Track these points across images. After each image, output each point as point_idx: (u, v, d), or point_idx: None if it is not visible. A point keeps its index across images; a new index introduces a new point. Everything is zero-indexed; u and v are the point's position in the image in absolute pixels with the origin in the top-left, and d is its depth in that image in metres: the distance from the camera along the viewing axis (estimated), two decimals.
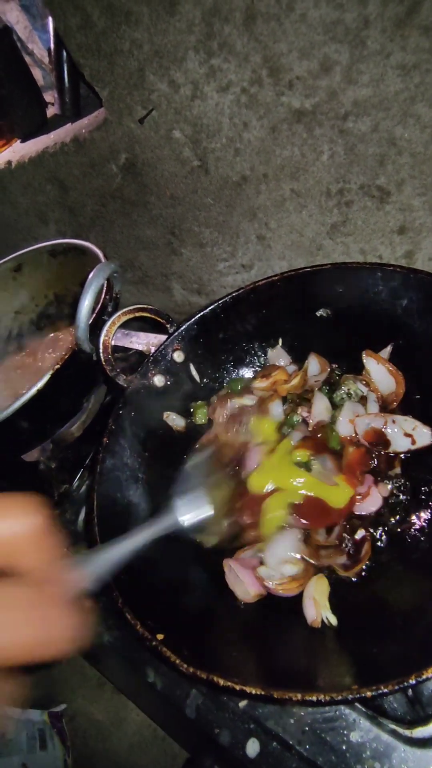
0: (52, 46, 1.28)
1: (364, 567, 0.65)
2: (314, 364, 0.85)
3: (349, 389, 0.79)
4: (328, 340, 0.85)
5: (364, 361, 0.80)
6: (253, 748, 0.66)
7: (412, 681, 0.42)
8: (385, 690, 0.43)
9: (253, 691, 0.47)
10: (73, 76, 1.31)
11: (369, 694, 0.43)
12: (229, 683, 0.48)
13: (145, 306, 0.84)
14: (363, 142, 0.91)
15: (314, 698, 0.44)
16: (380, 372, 0.78)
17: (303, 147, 0.98)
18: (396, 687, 0.42)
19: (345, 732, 0.63)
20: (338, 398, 0.79)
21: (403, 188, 0.95)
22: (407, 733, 0.61)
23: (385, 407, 0.78)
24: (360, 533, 0.68)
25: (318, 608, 0.63)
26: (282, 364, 0.90)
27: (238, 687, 0.47)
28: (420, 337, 0.72)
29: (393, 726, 0.62)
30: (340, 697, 0.43)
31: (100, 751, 1.07)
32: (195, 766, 0.66)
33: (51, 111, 1.55)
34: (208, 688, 0.53)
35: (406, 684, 0.42)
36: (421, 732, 0.61)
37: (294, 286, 0.83)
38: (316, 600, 0.62)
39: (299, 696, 0.44)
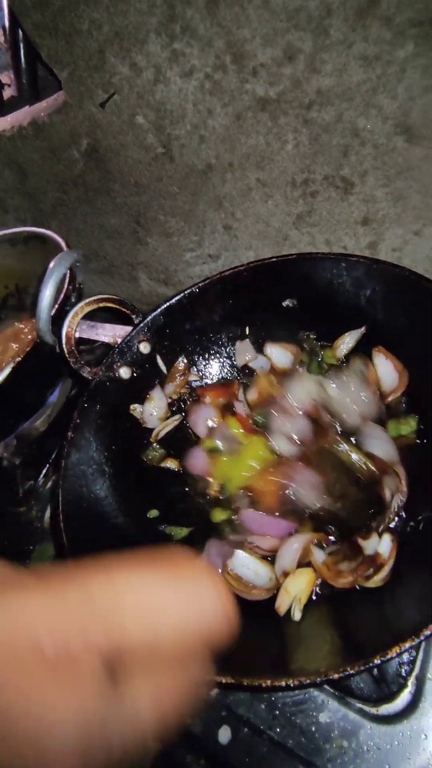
0: (6, 24, 1.22)
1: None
2: (279, 354, 0.85)
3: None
4: (294, 330, 0.85)
5: (374, 357, 0.78)
6: (224, 735, 0.66)
7: (377, 661, 0.43)
8: (352, 671, 0.43)
9: (224, 680, 0.47)
10: (30, 56, 1.25)
11: (336, 676, 0.43)
12: None
13: (110, 296, 0.82)
14: (327, 132, 0.92)
15: (283, 683, 0.45)
16: (388, 367, 0.77)
17: (268, 136, 0.97)
18: (362, 667, 0.43)
19: (314, 713, 0.65)
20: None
21: (367, 179, 0.96)
22: (373, 710, 0.63)
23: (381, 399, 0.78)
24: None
25: (289, 600, 0.63)
26: (248, 358, 0.90)
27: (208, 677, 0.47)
28: (383, 326, 0.74)
29: (360, 705, 0.64)
30: (308, 681, 0.44)
31: None
32: (169, 758, 0.66)
33: (7, 93, 1.47)
34: None
35: (371, 664, 0.43)
36: (386, 709, 0.63)
37: (260, 276, 0.83)
38: (294, 596, 0.63)
39: (269, 682, 0.45)
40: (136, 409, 0.86)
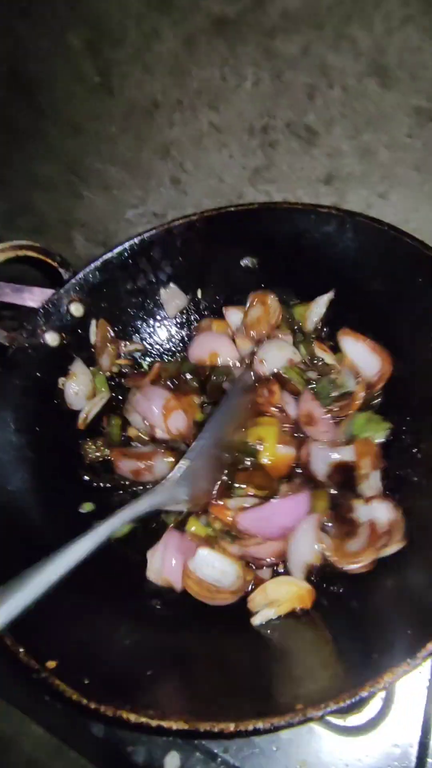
0: None
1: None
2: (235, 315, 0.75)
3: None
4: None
5: (341, 341, 0.68)
6: (172, 763, 0.57)
7: (365, 693, 0.34)
8: (334, 707, 0.35)
9: (174, 727, 0.36)
10: None
11: (317, 715, 0.34)
12: (143, 720, 0.37)
13: (30, 243, 0.66)
14: (292, 68, 0.80)
15: (251, 728, 0.35)
16: (361, 351, 0.66)
17: (224, 68, 0.84)
18: (347, 702, 0.35)
19: None
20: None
21: (333, 129, 0.86)
22: (340, 722, 0.56)
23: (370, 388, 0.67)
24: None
25: (263, 601, 0.54)
26: (179, 305, 0.78)
27: (154, 723, 0.37)
28: (357, 289, 0.65)
29: (326, 717, 0.56)
30: (283, 722, 0.35)
31: None
32: None
33: None
34: (117, 726, 0.42)
35: (357, 697, 0.34)
36: (354, 719, 0.56)
37: (215, 229, 0.71)
38: (270, 600, 0.53)
39: (231, 727, 0.35)
40: (66, 383, 0.72)
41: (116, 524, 0.48)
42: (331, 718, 0.56)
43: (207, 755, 0.56)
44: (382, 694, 0.57)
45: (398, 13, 0.70)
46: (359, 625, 0.47)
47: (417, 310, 0.59)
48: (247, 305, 0.74)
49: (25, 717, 0.95)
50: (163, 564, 0.58)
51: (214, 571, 0.54)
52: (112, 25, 0.84)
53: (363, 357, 0.66)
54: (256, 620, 0.53)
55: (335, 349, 0.70)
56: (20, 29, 0.91)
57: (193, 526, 0.62)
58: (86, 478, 0.70)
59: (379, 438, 0.62)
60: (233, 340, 0.74)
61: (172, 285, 0.76)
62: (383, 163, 0.88)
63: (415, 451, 0.58)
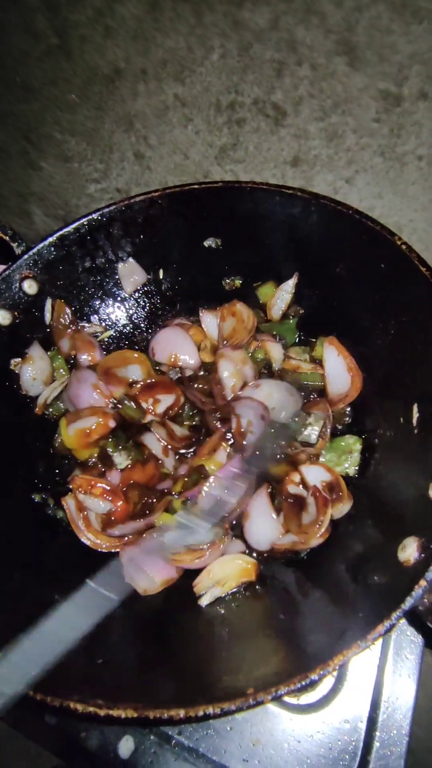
0: None
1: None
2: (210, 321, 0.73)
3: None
4: (216, 275, 0.73)
5: (324, 348, 0.67)
6: (126, 747, 0.57)
7: (315, 677, 0.35)
8: (284, 691, 0.35)
9: (123, 715, 0.36)
10: None
11: (267, 699, 0.34)
12: (91, 709, 0.36)
13: None
14: (260, 42, 0.77)
15: (201, 713, 0.35)
16: (338, 366, 0.65)
17: (190, 38, 0.80)
18: (297, 685, 0.35)
19: None
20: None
21: (301, 109, 0.84)
22: (294, 701, 0.57)
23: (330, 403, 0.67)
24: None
25: (209, 582, 0.54)
26: (138, 281, 0.75)
27: (103, 712, 0.36)
28: (321, 272, 0.64)
29: None
30: (233, 707, 0.35)
31: None
32: None
33: None
34: (65, 716, 0.41)
35: (308, 680, 0.35)
36: (307, 698, 0.57)
37: (178, 207, 0.68)
38: (215, 580, 0.53)
39: (181, 714, 0.35)
40: (19, 365, 0.68)
41: None
42: (285, 698, 0.57)
43: (161, 738, 0.56)
44: (334, 673, 0.58)
45: None
46: (311, 609, 0.47)
47: (378, 294, 0.59)
48: (219, 320, 0.72)
49: None
50: (150, 572, 0.56)
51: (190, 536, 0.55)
52: None
53: (337, 372, 0.65)
54: (205, 600, 0.54)
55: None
56: None
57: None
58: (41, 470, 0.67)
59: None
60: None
61: (130, 260, 0.73)
62: (350, 148, 0.87)
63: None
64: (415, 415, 0.51)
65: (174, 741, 0.57)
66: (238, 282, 0.74)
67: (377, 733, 0.54)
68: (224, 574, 0.54)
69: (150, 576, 0.55)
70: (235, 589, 0.53)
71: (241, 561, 0.55)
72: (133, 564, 0.56)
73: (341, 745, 0.54)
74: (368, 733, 0.54)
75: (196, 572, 0.55)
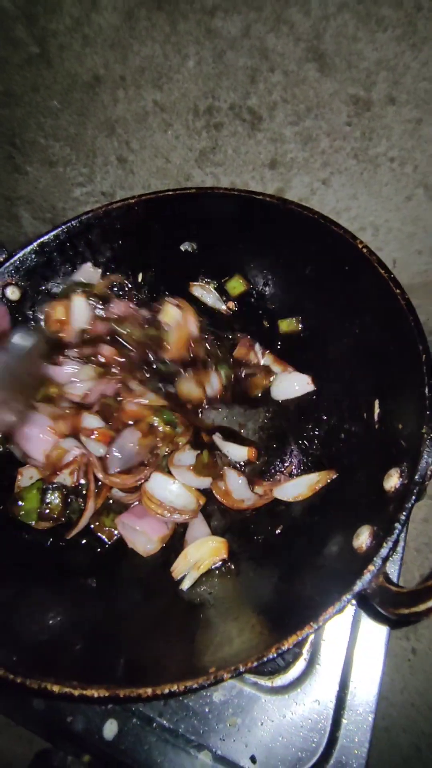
0: None
1: None
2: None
3: None
4: (193, 277, 0.76)
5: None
6: (110, 729, 0.60)
7: (272, 654, 0.38)
8: (243, 669, 0.38)
9: (96, 694, 0.39)
10: None
11: (227, 676, 0.37)
12: (66, 690, 0.39)
13: None
14: (233, 49, 0.79)
15: (166, 690, 0.38)
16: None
17: (166, 45, 0.82)
18: (255, 663, 0.38)
19: (208, 694, 0.60)
20: None
21: (275, 114, 0.86)
22: (268, 683, 0.60)
23: None
24: None
25: (186, 566, 0.58)
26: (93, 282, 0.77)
27: (77, 692, 0.39)
28: (288, 276, 0.67)
29: (255, 679, 0.60)
30: (196, 685, 0.38)
31: None
32: (44, 762, 0.58)
33: None
34: (42, 697, 0.44)
35: (265, 659, 0.38)
36: (281, 680, 0.60)
37: (155, 213, 0.71)
38: (192, 563, 0.57)
39: (149, 692, 0.38)
40: None
41: None
42: (259, 680, 0.60)
43: (143, 720, 0.60)
44: (306, 656, 0.61)
45: (334, 0, 0.70)
46: (271, 592, 0.50)
47: (343, 294, 0.62)
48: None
49: None
50: (147, 532, 0.62)
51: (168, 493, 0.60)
52: None
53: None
54: (186, 584, 0.57)
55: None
56: None
57: None
58: None
59: None
60: None
61: (88, 265, 0.75)
62: (324, 150, 0.89)
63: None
64: (377, 410, 0.54)
65: (155, 723, 0.60)
66: (212, 286, 0.77)
67: (345, 711, 0.57)
68: (200, 555, 0.57)
69: (147, 535, 0.59)
70: (212, 567, 0.57)
71: (212, 542, 0.60)
72: (129, 528, 0.61)
73: (311, 724, 0.58)
74: (337, 711, 0.58)
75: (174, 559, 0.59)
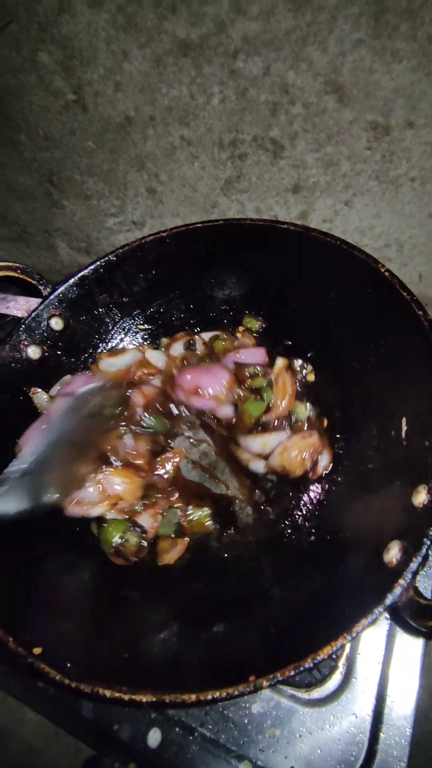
0: None
1: None
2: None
3: None
4: (224, 304, 0.79)
5: None
6: (154, 738, 0.63)
7: (309, 664, 0.40)
8: (281, 677, 0.40)
9: (144, 699, 0.42)
10: None
11: (266, 684, 0.40)
12: (117, 694, 0.42)
13: (9, 264, 0.70)
14: (255, 87, 0.84)
15: (209, 697, 0.40)
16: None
17: (191, 87, 0.88)
18: (292, 672, 0.40)
19: (246, 705, 0.62)
20: None
21: (297, 142, 0.90)
22: (305, 696, 0.62)
23: None
24: None
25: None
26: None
27: (127, 697, 0.42)
28: (313, 299, 0.70)
29: (292, 691, 0.62)
30: (237, 692, 0.40)
31: None
32: None
33: None
34: (95, 701, 0.48)
35: (302, 668, 0.40)
36: (318, 692, 0.62)
37: (185, 244, 0.75)
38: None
39: (193, 698, 0.40)
40: (36, 394, 0.75)
41: None
42: (297, 692, 0.62)
43: (185, 730, 0.62)
44: (342, 670, 0.63)
45: (350, 37, 0.74)
46: (304, 604, 0.52)
47: (367, 316, 0.64)
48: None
49: (23, 706, 1.01)
50: None
51: None
52: (82, 46, 0.88)
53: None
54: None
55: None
56: None
57: None
58: None
59: None
60: None
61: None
62: (345, 174, 0.92)
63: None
64: (404, 428, 0.56)
65: (197, 732, 0.62)
66: (256, 323, 0.81)
67: (383, 726, 0.58)
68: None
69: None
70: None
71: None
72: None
73: (349, 737, 0.59)
74: (374, 725, 0.58)
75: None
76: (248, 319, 0.80)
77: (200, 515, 0.69)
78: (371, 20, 0.71)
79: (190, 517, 0.69)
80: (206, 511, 0.69)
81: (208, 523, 0.69)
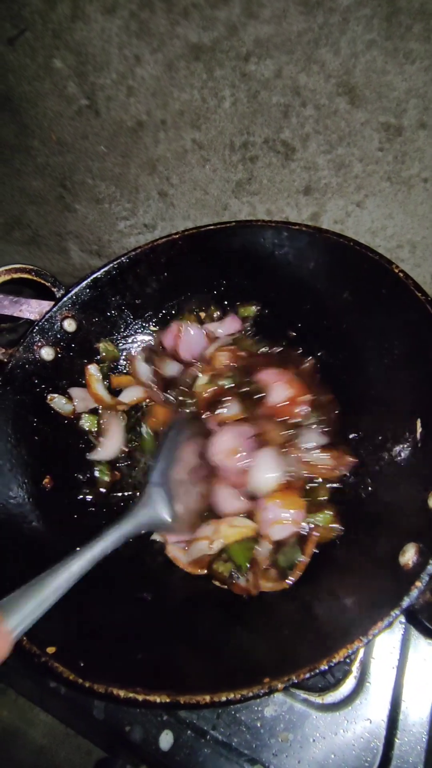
0: None
1: None
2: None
3: None
4: (233, 305, 0.80)
5: None
6: (166, 740, 0.62)
7: (324, 667, 0.40)
8: (296, 680, 0.40)
9: (158, 700, 0.42)
10: None
11: (281, 686, 0.39)
12: (131, 695, 0.42)
13: (24, 266, 0.71)
14: (266, 89, 0.84)
15: (224, 698, 0.40)
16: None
17: (203, 90, 0.88)
18: (307, 674, 0.40)
19: (259, 708, 0.62)
20: None
21: (308, 144, 0.90)
22: (318, 700, 0.61)
23: None
24: None
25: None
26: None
27: (141, 698, 0.42)
28: (326, 301, 0.70)
29: (305, 695, 0.61)
30: (251, 694, 0.40)
31: (7, 757, 0.99)
32: None
33: None
34: (108, 701, 0.48)
35: (317, 671, 0.40)
36: (331, 697, 0.61)
37: (197, 246, 0.76)
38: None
39: (207, 699, 0.40)
40: (54, 399, 0.76)
41: (107, 547, 0.52)
42: (310, 697, 0.61)
43: (197, 732, 0.62)
44: (356, 674, 0.62)
45: (362, 38, 0.74)
46: (319, 607, 0.52)
47: (381, 317, 0.64)
48: None
49: (34, 707, 1.02)
50: None
51: None
52: (95, 52, 0.89)
53: None
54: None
55: None
56: (9, 56, 0.95)
57: None
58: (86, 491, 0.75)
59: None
60: None
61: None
62: (357, 175, 0.92)
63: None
64: (419, 429, 0.55)
65: (209, 735, 0.62)
66: (252, 309, 0.81)
67: (398, 731, 0.57)
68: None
69: None
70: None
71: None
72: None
73: (363, 743, 0.58)
74: (389, 731, 0.58)
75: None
76: (244, 308, 0.81)
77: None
78: (383, 21, 0.71)
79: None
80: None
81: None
